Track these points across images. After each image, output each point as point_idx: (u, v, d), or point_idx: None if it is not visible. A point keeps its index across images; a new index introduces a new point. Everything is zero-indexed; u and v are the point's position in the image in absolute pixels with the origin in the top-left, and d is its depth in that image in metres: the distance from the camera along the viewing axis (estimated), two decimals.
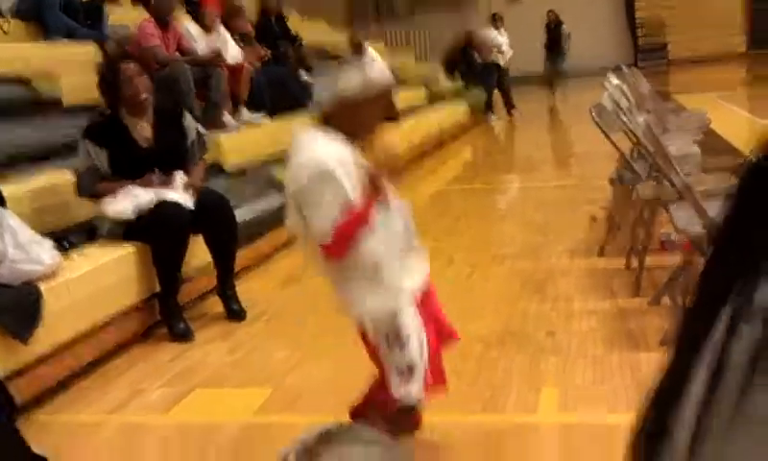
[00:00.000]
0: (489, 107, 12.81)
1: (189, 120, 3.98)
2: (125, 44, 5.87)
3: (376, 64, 2.06)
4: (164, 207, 3.50)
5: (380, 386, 2.10)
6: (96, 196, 3.70)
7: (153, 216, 3.48)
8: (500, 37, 12.74)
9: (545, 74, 14.69)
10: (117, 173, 3.65)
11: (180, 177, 3.71)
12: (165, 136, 3.78)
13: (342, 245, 1.93)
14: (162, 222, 3.47)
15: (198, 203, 3.64)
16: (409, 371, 1.98)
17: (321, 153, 1.93)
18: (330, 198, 1.88)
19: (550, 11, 14.55)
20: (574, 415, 2.47)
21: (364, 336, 2.05)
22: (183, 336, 3.50)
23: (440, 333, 2.14)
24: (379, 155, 2.01)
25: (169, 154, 3.77)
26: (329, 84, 2.00)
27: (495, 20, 13.15)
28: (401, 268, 2.02)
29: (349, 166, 1.93)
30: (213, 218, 3.68)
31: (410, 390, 1.99)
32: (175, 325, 3.52)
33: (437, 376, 2.09)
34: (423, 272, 2.12)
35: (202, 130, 4.13)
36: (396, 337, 1.97)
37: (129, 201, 3.56)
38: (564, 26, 14.47)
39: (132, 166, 3.64)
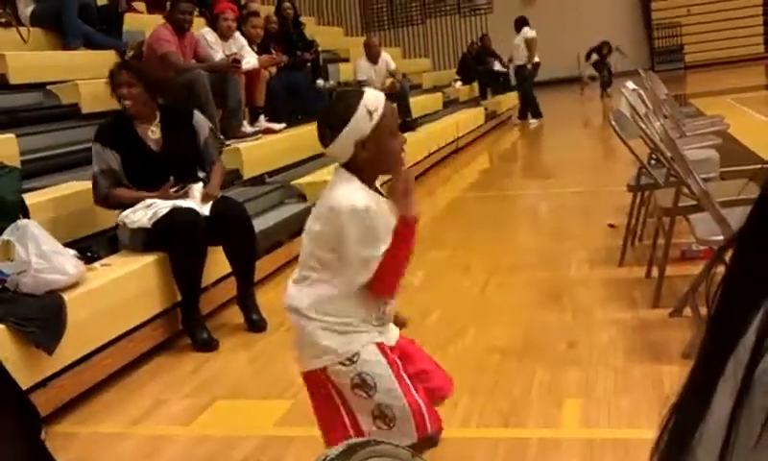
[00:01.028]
0: (525, 110, 12.63)
1: (199, 118, 3.97)
2: (141, 51, 5.92)
3: (369, 89, 1.97)
4: (177, 214, 3.52)
5: None
6: (111, 203, 3.71)
7: (166, 222, 3.50)
8: (515, 39, 12.54)
9: (601, 78, 15.05)
10: (131, 176, 3.68)
11: (197, 189, 3.73)
12: (175, 139, 3.78)
13: (389, 281, 1.88)
14: (176, 227, 3.49)
15: (216, 213, 3.66)
16: (382, 416, 1.87)
17: (353, 195, 1.86)
18: (369, 234, 1.83)
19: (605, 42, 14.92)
20: (596, 430, 2.45)
21: (316, 387, 1.94)
22: (206, 346, 3.51)
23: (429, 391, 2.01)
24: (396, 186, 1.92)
25: (181, 156, 3.78)
26: (341, 137, 1.87)
27: (516, 23, 12.81)
28: (371, 329, 1.93)
29: (379, 212, 1.87)
30: (231, 228, 3.70)
31: (393, 435, 1.84)
32: (197, 334, 3.54)
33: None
34: (395, 335, 2.02)
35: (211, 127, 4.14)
36: (361, 382, 1.87)
37: (145, 209, 3.60)
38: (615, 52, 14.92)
39: (144, 169, 3.67)
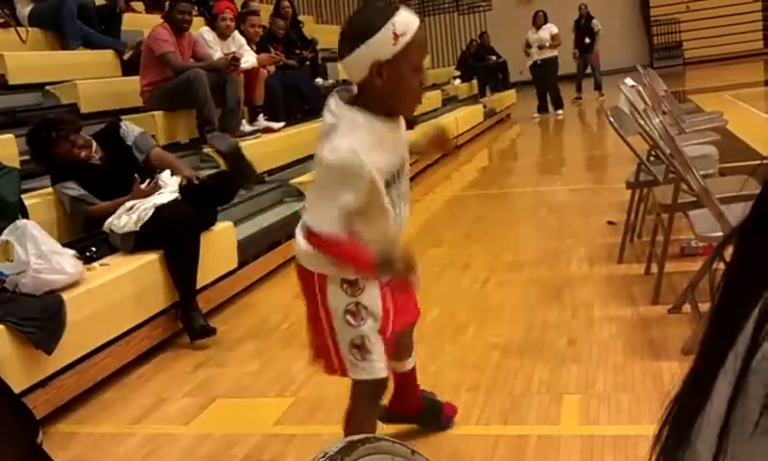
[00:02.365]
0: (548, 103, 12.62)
1: (124, 127, 4.07)
2: (139, 51, 5.92)
3: (405, 9, 1.73)
4: (165, 211, 3.57)
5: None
6: (95, 219, 3.75)
7: (156, 222, 3.54)
8: (533, 35, 12.59)
9: (578, 74, 14.13)
10: (93, 194, 3.76)
11: (165, 176, 3.79)
12: (111, 152, 3.90)
13: (327, 249, 1.78)
14: (166, 225, 3.53)
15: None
16: (360, 347, 1.85)
17: (354, 142, 1.69)
18: (347, 196, 1.70)
19: (582, 5, 13.96)
20: (596, 427, 2.45)
21: (314, 302, 1.88)
22: (204, 332, 3.51)
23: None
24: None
25: (122, 161, 3.88)
26: (358, 53, 1.68)
27: (535, 19, 12.81)
28: None
29: (382, 150, 1.75)
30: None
31: (366, 366, 1.86)
32: (195, 321, 3.54)
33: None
34: None
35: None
36: (356, 310, 1.84)
37: (128, 214, 3.63)
38: (594, 21, 13.75)
39: (99, 184, 3.75)
